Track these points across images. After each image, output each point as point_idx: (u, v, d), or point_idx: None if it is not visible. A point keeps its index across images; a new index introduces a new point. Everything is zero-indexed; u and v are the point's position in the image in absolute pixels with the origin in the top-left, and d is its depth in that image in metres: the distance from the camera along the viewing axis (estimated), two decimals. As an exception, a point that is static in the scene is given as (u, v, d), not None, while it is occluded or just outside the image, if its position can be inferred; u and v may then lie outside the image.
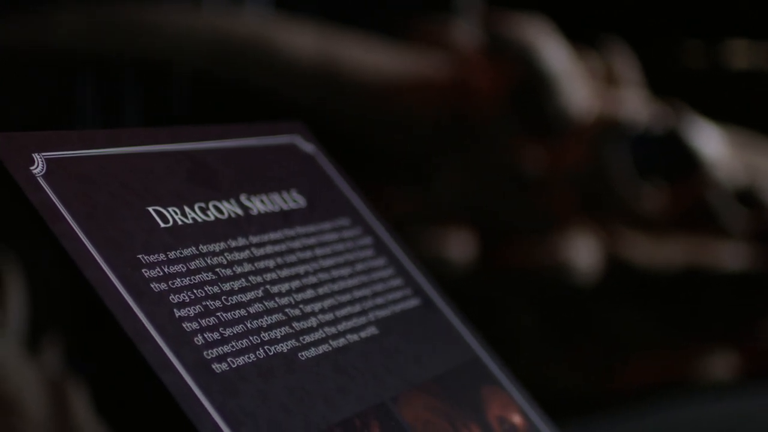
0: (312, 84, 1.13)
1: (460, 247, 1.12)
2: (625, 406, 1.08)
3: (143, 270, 0.40)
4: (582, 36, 1.26)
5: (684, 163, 1.17)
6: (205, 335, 0.40)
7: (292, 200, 0.49)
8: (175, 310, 0.40)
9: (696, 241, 1.15)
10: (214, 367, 0.39)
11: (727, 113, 1.28)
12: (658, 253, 1.14)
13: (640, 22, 1.56)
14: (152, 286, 0.40)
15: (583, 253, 1.12)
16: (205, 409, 0.38)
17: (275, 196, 0.49)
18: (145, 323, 0.39)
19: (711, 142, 1.18)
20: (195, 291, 0.41)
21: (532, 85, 1.14)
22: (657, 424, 1.03)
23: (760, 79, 1.43)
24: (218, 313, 0.41)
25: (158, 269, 0.41)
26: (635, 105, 1.18)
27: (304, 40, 1.13)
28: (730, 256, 1.16)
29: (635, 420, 1.04)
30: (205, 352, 0.39)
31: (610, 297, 1.14)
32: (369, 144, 1.17)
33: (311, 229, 0.49)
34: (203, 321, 0.40)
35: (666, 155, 1.17)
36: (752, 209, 1.18)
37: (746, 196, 1.17)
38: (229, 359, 0.40)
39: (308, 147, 0.53)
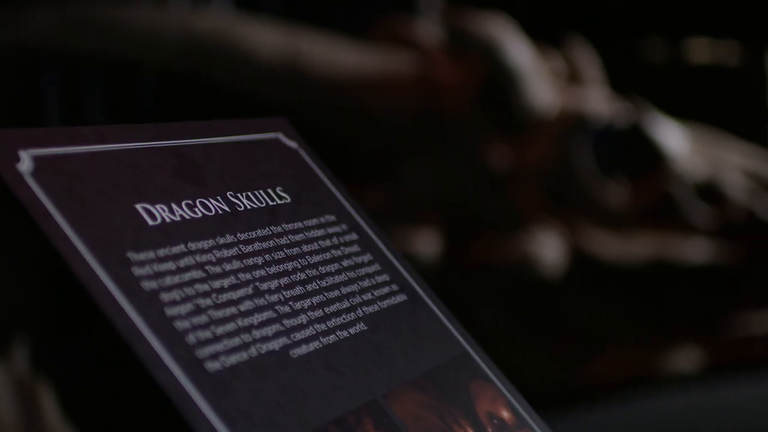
0: (278, 81, 1.13)
1: (427, 242, 1.12)
2: (592, 398, 1.09)
3: (133, 268, 0.40)
4: (544, 35, 1.27)
5: (646, 158, 1.18)
6: (197, 334, 0.40)
7: (278, 197, 0.49)
8: (166, 308, 0.39)
9: (660, 236, 1.16)
10: (207, 365, 0.39)
11: (688, 109, 1.30)
12: (623, 247, 1.15)
13: (601, 21, 1.57)
14: (143, 284, 0.40)
15: (549, 247, 1.13)
16: (200, 408, 0.37)
17: (261, 193, 0.48)
18: (136, 322, 0.38)
19: (672, 138, 1.20)
20: (185, 289, 0.41)
21: (497, 81, 1.14)
22: (623, 416, 1.04)
23: (720, 75, 1.45)
24: (209, 311, 0.41)
25: (148, 267, 0.40)
26: (598, 102, 1.19)
27: (270, 38, 1.12)
28: (693, 250, 1.17)
29: (602, 412, 1.05)
30: (197, 351, 0.39)
31: (576, 291, 1.15)
32: (335, 141, 1.17)
33: (298, 225, 0.48)
34: (194, 319, 0.40)
35: (628, 151, 1.18)
36: (714, 203, 1.19)
37: (708, 191, 1.19)
38: (221, 358, 0.39)
39: (291, 143, 0.53)
